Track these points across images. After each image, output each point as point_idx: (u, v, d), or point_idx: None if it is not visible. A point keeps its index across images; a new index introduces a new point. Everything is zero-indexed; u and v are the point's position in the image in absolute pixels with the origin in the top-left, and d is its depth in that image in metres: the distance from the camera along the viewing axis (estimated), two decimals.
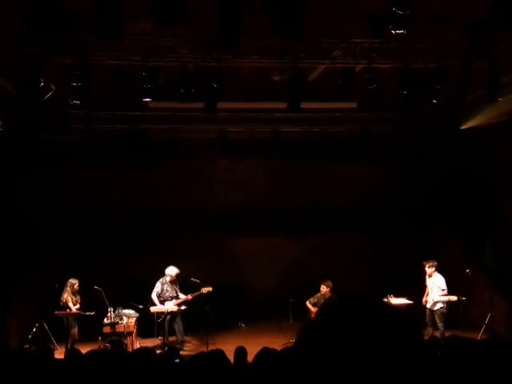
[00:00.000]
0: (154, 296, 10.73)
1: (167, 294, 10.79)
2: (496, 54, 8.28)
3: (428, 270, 10.35)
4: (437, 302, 10.21)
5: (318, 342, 1.07)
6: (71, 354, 5.69)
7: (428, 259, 10.43)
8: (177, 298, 10.84)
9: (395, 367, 1.02)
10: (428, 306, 10.32)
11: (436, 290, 10.24)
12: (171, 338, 10.72)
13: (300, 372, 1.08)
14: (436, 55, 8.38)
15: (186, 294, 10.84)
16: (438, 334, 9.74)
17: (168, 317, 10.65)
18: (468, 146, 11.55)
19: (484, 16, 7.09)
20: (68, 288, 10.28)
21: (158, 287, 10.81)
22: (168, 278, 10.84)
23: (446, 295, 10.20)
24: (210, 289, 10.61)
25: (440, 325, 10.10)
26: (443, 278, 10.32)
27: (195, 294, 10.65)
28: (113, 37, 6.54)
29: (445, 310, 10.18)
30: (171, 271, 10.84)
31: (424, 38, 7.96)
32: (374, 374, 1.02)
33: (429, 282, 10.40)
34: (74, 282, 10.31)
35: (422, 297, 10.42)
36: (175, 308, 10.68)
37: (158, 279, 10.88)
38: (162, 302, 10.73)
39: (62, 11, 6.39)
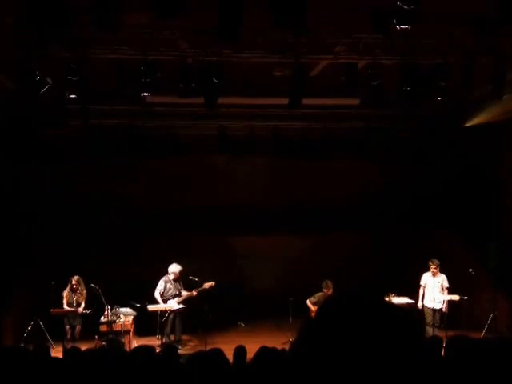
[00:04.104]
0: (156, 294, 10.57)
1: (170, 293, 10.63)
2: (501, 50, 8.16)
3: (434, 270, 10.28)
4: (441, 301, 10.21)
5: (318, 340, 1.05)
6: (69, 352, 5.58)
7: (432, 258, 10.37)
8: (179, 295, 10.67)
9: (396, 365, 1.00)
10: (430, 305, 10.24)
11: (439, 288, 10.19)
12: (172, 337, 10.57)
13: (300, 370, 1.06)
14: (440, 51, 8.24)
15: (187, 291, 10.69)
16: (438, 332, 9.68)
17: (171, 315, 10.49)
18: (471, 145, 11.42)
19: (489, 11, 6.96)
20: (69, 285, 10.23)
21: (161, 285, 10.63)
22: (171, 276, 10.67)
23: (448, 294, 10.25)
24: (213, 283, 10.50)
25: (439, 324, 10.11)
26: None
27: (199, 289, 10.51)
28: (111, 29, 6.41)
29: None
30: (174, 269, 10.67)
31: (428, 34, 7.82)
32: (375, 373, 0.99)
33: (432, 280, 10.30)
34: (72, 278, 10.24)
35: (419, 297, 10.35)
36: (176, 306, 10.51)
37: (158, 277, 10.72)
38: (165, 301, 10.56)
39: (61, 2, 6.27)
